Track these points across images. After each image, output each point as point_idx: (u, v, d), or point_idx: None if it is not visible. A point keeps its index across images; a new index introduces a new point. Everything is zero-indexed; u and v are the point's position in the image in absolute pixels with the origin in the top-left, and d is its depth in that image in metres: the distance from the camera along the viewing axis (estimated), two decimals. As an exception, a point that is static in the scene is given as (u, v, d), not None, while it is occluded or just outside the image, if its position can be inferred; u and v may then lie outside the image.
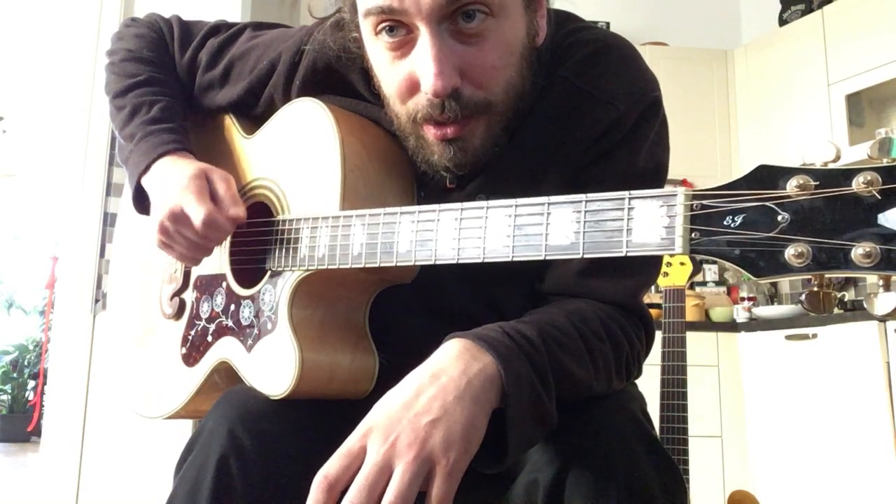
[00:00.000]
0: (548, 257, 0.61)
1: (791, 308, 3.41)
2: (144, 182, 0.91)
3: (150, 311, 1.01)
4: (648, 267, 0.85)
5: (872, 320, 2.79)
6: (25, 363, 5.99)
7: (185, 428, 2.39)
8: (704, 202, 0.52)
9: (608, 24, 3.95)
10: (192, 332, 0.92)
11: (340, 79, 0.89)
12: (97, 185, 2.50)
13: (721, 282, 3.90)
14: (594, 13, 3.93)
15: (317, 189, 0.82)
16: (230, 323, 0.88)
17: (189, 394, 0.92)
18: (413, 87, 0.75)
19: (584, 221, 0.58)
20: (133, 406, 1.01)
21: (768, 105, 3.76)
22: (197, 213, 0.82)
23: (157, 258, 0.99)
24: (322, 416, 0.80)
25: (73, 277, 2.46)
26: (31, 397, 5.85)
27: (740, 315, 3.56)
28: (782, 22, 3.92)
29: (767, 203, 0.50)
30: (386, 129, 0.86)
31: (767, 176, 0.50)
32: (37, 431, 4.78)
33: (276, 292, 0.83)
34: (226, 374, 0.88)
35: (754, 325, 3.35)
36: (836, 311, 3.24)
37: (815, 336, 3.03)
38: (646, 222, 0.54)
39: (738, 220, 0.51)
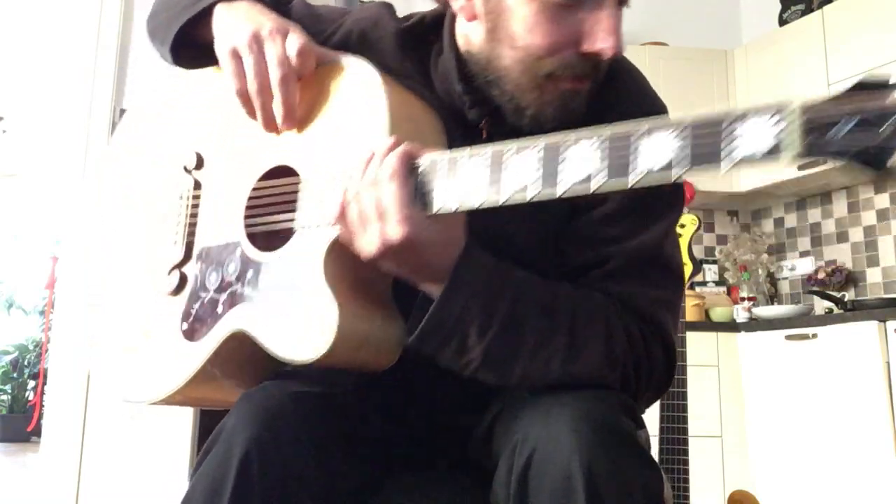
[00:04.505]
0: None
1: (791, 308, 3.41)
2: (209, 22, 0.87)
3: (139, 291, 0.96)
4: (674, 283, 0.85)
5: (872, 320, 2.79)
6: (25, 363, 6.00)
7: (186, 428, 2.39)
8: (814, 110, 0.54)
9: (608, 24, 3.95)
10: (196, 305, 0.88)
11: (369, 48, 0.90)
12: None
13: (721, 282, 3.90)
14: (594, 13, 3.93)
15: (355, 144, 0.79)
16: (246, 290, 0.83)
17: (193, 369, 0.86)
18: (571, 44, 0.76)
19: (690, 137, 0.60)
20: (122, 392, 0.94)
21: (768, 105, 3.75)
22: (293, 40, 0.81)
23: (136, 238, 0.95)
24: (340, 417, 0.81)
25: (73, 277, 2.46)
26: (31, 397, 5.86)
27: (740, 315, 3.56)
28: (782, 22, 3.91)
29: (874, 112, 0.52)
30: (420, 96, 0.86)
31: (868, 91, 0.53)
32: (37, 431, 4.76)
33: (309, 250, 0.79)
34: (227, 357, 0.85)
35: (754, 325, 3.35)
36: (836, 311, 3.24)
37: (815, 336, 3.03)
38: (754, 135, 0.56)
39: (850, 125, 0.53)
